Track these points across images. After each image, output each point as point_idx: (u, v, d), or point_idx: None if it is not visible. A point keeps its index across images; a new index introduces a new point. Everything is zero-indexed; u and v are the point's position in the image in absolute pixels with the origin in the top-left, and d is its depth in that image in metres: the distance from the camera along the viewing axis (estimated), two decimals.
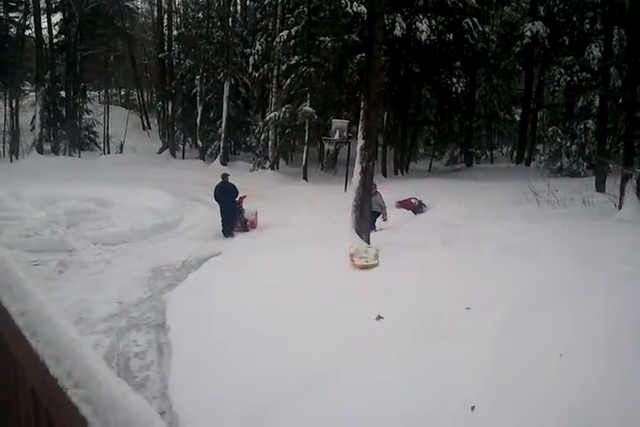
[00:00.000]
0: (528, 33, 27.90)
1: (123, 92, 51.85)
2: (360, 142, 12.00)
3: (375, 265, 10.24)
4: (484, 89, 34.64)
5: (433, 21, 26.69)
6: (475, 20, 28.16)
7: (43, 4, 34.43)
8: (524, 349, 6.31)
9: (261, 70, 31.06)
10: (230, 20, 31.95)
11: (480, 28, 28.49)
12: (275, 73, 28.34)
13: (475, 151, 34.92)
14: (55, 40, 37.25)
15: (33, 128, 32.96)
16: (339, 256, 10.52)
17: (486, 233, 12.20)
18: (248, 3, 38.10)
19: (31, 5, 33.42)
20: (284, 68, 27.67)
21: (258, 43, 31.72)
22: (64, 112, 35.60)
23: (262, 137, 29.09)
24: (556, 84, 29.22)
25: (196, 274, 10.71)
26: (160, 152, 35.43)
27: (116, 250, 12.55)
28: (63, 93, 36.36)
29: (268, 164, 28.39)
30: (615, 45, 22.27)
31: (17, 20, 37.01)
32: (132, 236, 13.55)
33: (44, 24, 34.93)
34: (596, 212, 14.57)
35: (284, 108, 26.39)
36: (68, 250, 11.98)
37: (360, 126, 12.24)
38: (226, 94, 30.10)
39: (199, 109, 32.25)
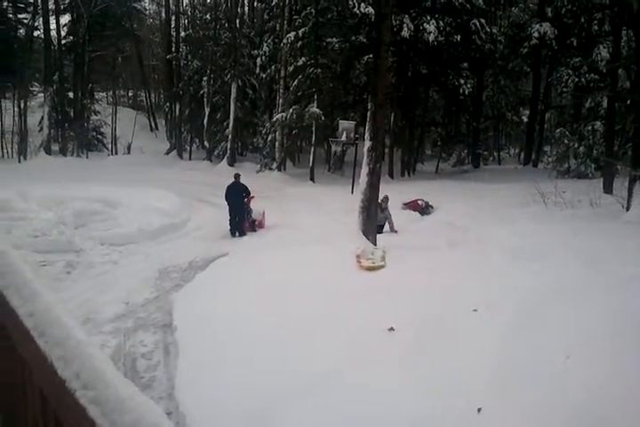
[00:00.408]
0: (536, 34, 27.84)
1: (130, 94, 52.02)
2: (367, 144, 12.02)
3: (382, 266, 10.24)
4: (491, 90, 34.57)
5: (440, 22, 26.68)
6: (482, 21, 28.11)
7: (51, 6, 34.59)
8: (531, 350, 6.29)
9: (269, 71, 31.08)
10: (238, 21, 32.04)
11: (487, 30, 28.43)
12: (282, 74, 28.36)
13: (482, 153, 34.85)
14: (63, 41, 37.38)
15: (41, 129, 33.09)
16: (345, 257, 10.53)
17: (493, 235, 12.17)
18: (256, 4, 38.14)
19: (40, 7, 33.59)
20: (291, 69, 27.68)
21: (265, 44, 31.76)
22: (72, 113, 35.73)
23: (269, 138, 29.11)
24: (564, 86, 29.14)
25: (202, 275, 10.73)
26: (167, 153, 35.51)
27: (123, 251, 12.58)
28: (71, 94, 36.48)
29: (275, 165, 28.41)
30: (623, 47, 22.19)
31: (26, 21, 37.24)
32: (140, 236, 13.58)
33: (53, 25, 35.15)
34: (603, 213, 14.52)
35: (291, 110, 26.40)
36: (76, 251, 12.01)
37: (367, 127, 12.27)
38: (233, 95, 30.15)
39: (206, 110, 32.29)
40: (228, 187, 14.84)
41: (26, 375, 1.56)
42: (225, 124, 31.90)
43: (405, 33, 25.85)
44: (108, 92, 44.59)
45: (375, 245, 11.66)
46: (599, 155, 22.99)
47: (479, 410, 5.31)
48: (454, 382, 5.84)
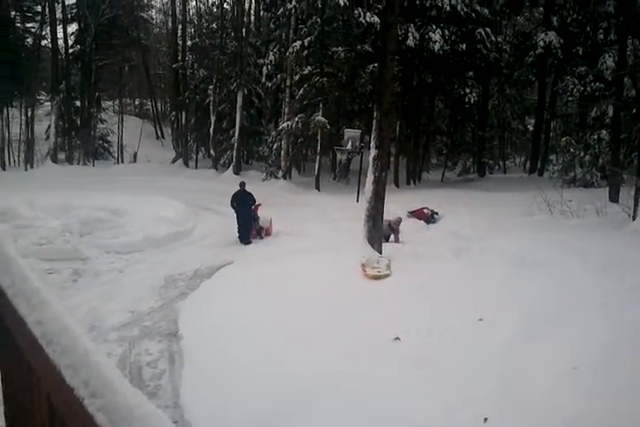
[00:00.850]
0: (541, 43, 27.82)
1: (137, 102, 52.23)
2: (372, 152, 12.02)
3: (387, 275, 10.23)
4: (496, 99, 34.52)
5: (446, 31, 26.69)
6: (487, 30, 28.11)
7: (59, 15, 34.85)
8: (537, 360, 6.27)
9: (274, 80, 31.14)
10: (244, 30, 32.16)
11: (493, 38, 28.41)
12: (288, 83, 28.43)
13: (487, 161, 34.75)
14: (71, 50, 37.59)
15: (48, 137, 33.26)
16: (351, 266, 10.52)
17: (499, 244, 12.13)
18: (262, 13, 38.31)
19: (47, 16, 33.86)
20: (297, 78, 27.75)
21: (271, 53, 31.82)
22: (79, 122, 35.89)
23: (275, 147, 29.13)
24: (570, 95, 29.08)
25: (208, 283, 10.71)
26: (173, 162, 35.60)
27: (129, 259, 12.61)
28: (78, 103, 36.65)
29: (280, 173, 28.43)
30: (629, 55, 22.14)
31: (33, 30, 37.50)
32: (145, 245, 13.61)
33: (60, 34, 35.42)
34: (609, 222, 14.47)
35: (296, 118, 26.45)
36: (82, 259, 12.05)
37: (373, 136, 12.26)
38: (239, 104, 30.24)
39: (212, 119, 32.38)
40: (234, 195, 14.92)
41: (34, 383, 1.57)
42: (231, 132, 31.97)
43: (411, 42, 25.87)
44: (115, 100, 44.73)
45: (380, 253, 11.64)
46: (605, 164, 22.89)
47: (485, 420, 5.28)
48: (461, 391, 5.82)
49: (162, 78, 48.89)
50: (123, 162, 35.89)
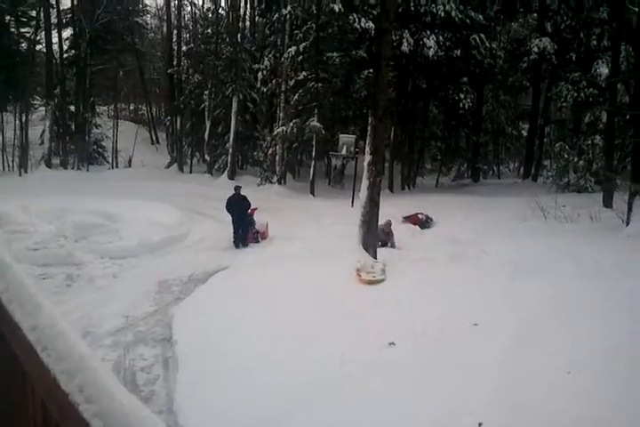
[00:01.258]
0: (535, 49, 27.93)
1: (132, 107, 52.15)
2: (367, 158, 12.04)
3: (382, 280, 10.23)
4: (491, 105, 34.60)
5: (440, 37, 26.78)
6: (482, 36, 28.21)
7: (53, 20, 34.77)
8: (532, 365, 6.27)
9: (269, 85, 31.20)
10: (239, 35, 32.16)
11: (487, 44, 28.53)
12: (283, 88, 28.47)
13: (482, 167, 34.86)
14: (65, 55, 37.46)
15: (42, 142, 33.13)
16: (345, 271, 10.52)
17: (493, 249, 12.17)
18: (257, 19, 38.34)
19: (42, 21, 33.76)
20: (292, 83, 27.77)
21: (266, 58, 31.86)
22: (73, 126, 35.75)
23: (270, 152, 29.12)
24: (564, 100, 29.17)
25: (202, 288, 10.70)
26: (168, 166, 35.53)
27: (124, 264, 12.56)
28: (73, 108, 36.53)
29: (275, 178, 28.41)
30: (622, 62, 22.26)
31: (28, 35, 37.35)
32: (140, 250, 13.57)
33: (55, 39, 35.25)
34: (603, 227, 14.53)
35: (291, 123, 26.45)
36: (76, 264, 12.01)
37: (367, 142, 12.30)
38: (234, 109, 30.23)
39: (207, 124, 32.34)
40: (229, 199, 14.95)
41: (28, 389, 1.56)
42: (226, 137, 31.95)
43: (405, 48, 25.96)
44: (110, 105, 44.64)
45: (375, 258, 11.65)
46: (599, 169, 22.99)
47: (480, 425, 5.28)
48: (455, 397, 5.82)
49: (157, 83, 48.86)
50: (117, 167, 35.78)
